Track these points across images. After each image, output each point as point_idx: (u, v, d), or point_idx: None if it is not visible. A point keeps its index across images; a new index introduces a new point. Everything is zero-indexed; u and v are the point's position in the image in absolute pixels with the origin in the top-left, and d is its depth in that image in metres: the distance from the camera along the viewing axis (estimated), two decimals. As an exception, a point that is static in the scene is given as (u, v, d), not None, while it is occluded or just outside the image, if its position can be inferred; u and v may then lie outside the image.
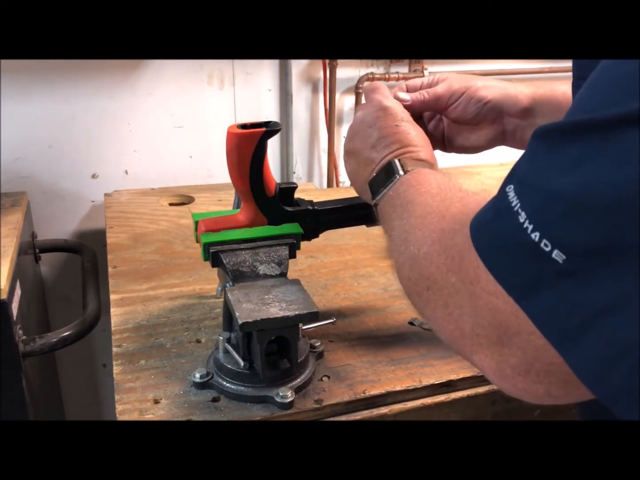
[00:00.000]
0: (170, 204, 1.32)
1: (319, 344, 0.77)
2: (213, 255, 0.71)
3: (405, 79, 1.54)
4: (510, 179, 0.38)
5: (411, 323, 0.85)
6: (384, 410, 0.71)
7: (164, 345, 0.79)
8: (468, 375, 0.73)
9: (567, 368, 0.34)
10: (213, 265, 0.73)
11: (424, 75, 1.54)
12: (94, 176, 1.42)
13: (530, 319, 0.36)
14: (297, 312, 0.65)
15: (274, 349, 0.69)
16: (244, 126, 0.68)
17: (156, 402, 0.69)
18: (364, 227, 0.80)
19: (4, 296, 0.91)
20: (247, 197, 0.73)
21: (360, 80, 1.54)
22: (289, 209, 0.75)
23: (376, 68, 1.58)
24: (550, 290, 0.34)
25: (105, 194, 1.36)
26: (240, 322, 0.63)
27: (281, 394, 0.67)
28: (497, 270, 0.38)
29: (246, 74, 1.47)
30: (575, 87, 0.48)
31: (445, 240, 0.44)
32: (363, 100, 0.73)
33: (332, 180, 1.61)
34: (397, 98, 0.73)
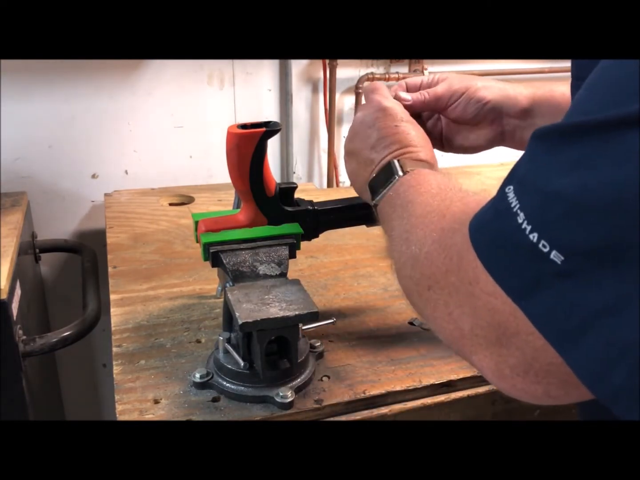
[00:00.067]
0: (170, 204, 1.32)
1: (319, 344, 0.77)
2: (213, 255, 0.71)
3: (405, 79, 1.54)
4: (509, 179, 0.38)
5: (411, 323, 0.85)
6: (384, 410, 0.71)
7: (164, 345, 0.79)
8: (468, 375, 0.73)
9: (566, 368, 0.34)
10: (213, 265, 0.73)
11: (424, 75, 1.54)
12: (94, 176, 1.42)
13: (529, 319, 0.36)
14: (297, 312, 0.65)
15: (274, 349, 0.69)
16: (244, 126, 0.68)
17: (156, 402, 0.69)
18: (364, 227, 0.80)
19: (4, 296, 0.91)
20: (247, 197, 0.73)
21: (360, 80, 1.54)
22: (289, 209, 0.75)
23: (376, 68, 1.58)
24: (549, 291, 0.34)
25: (105, 194, 1.36)
26: (240, 322, 0.63)
27: (281, 394, 0.67)
28: (496, 271, 0.38)
29: (246, 74, 1.47)
30: (574, 87, 0.48)
31: (445, 240, 0.44)
32: (363, 101, 0.73)
33: (332, 180, 1.61)
34: (398, 97, 0.73)
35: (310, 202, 0.78)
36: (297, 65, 1.51)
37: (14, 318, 0.94)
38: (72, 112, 1.35)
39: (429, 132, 0.70)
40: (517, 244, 0.36)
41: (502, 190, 0.38)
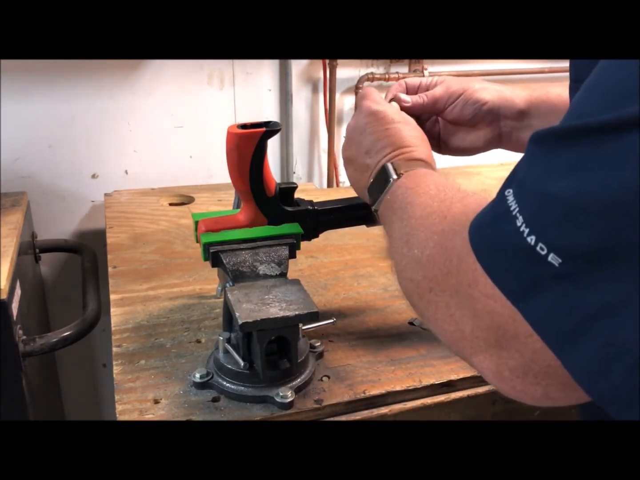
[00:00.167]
0: (170, 204, 1.32)
1: (319, 344, 0.77)
2: (213, 255, 0.71)
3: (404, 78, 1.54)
4: (509, 182, 0.39)
5: (411, 323, 0.85)
6: (384, 410, 0.71)
7: (164, 345, 0.79)
8: (468, 375, 0.73)
9: (565, 370, 0.34)
10: (213, 265, 0.73)
11: (424, 76, 1.54)
12: (94, 176, 1.42)
13: (528, 321, 0.36)
14: (297, 312, 0.65)
15: (274, 349, 0.69)
16: (244, 126, 0.68)
17: (156, 402, 0.69)
18: (364, 227, 0.80)
19: (4, 296, 0.91)
20: (247, 197, 0.73)
21: (360, 80, 1.54)
22: (289, 209, 0.75)
23: (376, 68, 1.58)
24: (547, 294, 0.34)
25: (105, 194, 1.36)
26: (240, 322, 0.63)
27: (281, 394, 0.67)
28: (495, 274, 0.38)
29: (246, 74, 1.47)
30: (573, 90, 0.48)
31: (446, 242, 0.44)
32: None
33: (332, 180, 1.61)
34: (397, 99, 0.73)
35: (310, 202, 0.78)
36: (297, 65, 1.51)
37: (14, 318, 0.94)
38: (72, 112, 1.35)
39: (427, 135, 0.70)
40: (516, 247, 0.36)
41: (501, 193, 0.38)
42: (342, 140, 1.56)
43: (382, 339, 0.81)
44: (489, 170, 1.52)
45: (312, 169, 1.64)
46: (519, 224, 0.36)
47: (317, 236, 0.79)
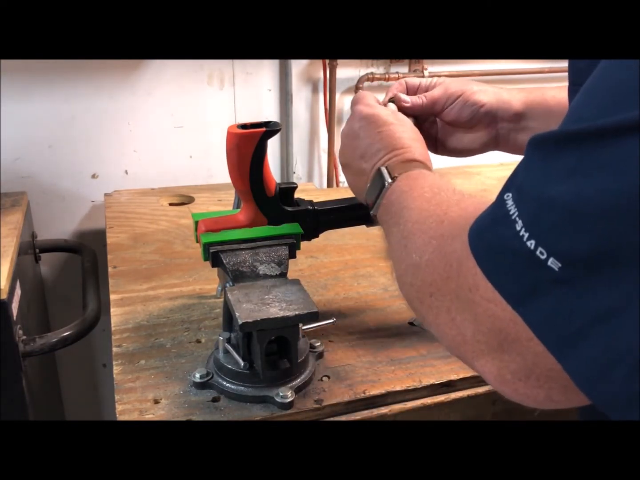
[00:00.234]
0: (170, 204, 1.32)
1: (319, 344, 0.77)
2: (213, 255, 0.71)
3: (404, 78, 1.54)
4: (508, 186, 0.39)
5: (411, 323, 0.85)
6: (384, 410, 0.71)
7: (164, 345, 0.79)
8: (468, 375, 0.73)
9: (566, 374, 0.34)
10: (213, 265, 0.73)
11: (424, 76, 1.54)
12: (94, 176, 1.42)
13: (528, 325, 0.36)
14: (297, 312, 0.65)
15: (274, 349, 0.69)
16: (244, 126, 0.68)
17: (156, 402, 0.69)
18: (364, 227, 0.80)
19: (4, 296, 0.91)
20: (247, 197, 0.73)
21: (360, 80, 1.54)
22: (289, 209, 0.76)
23: (376, 68, 1.58)
24: (547, 298, 0.34)
25: (105, 194, 1.36)
26: (240, 322, 0.63)
27: (281, 394, 0.67)
28: (495, 278, 0.38)
29: (246, 74, 1.47)
30: (572, 92, 0.48)
31: (445, 247, 0.44)
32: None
33: (332, 180, 1.61)
34: (397, 98, 0.74)
35: (310, 202, 0.78)
36: (297, 65, 1.51)
37: (14, 318, 0.94)
38: (72, 112, 1.35)
39: (424, 135, 0.71)
40: (515, 251, 0.36)
41: (500, 197, 0.38)
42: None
43: (382, 339, 0.81)
44: (489, 170, 1.52)
45: (312, 169, 1.64)
46: (518, 228, 0.36)
47: (317, 236, 0.79)
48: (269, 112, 1.53)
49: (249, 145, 0.68)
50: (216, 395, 0.70)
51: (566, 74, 0.50)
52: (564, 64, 0.48)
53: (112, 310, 0.88)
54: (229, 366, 0.69)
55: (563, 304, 0.34)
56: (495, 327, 0.38)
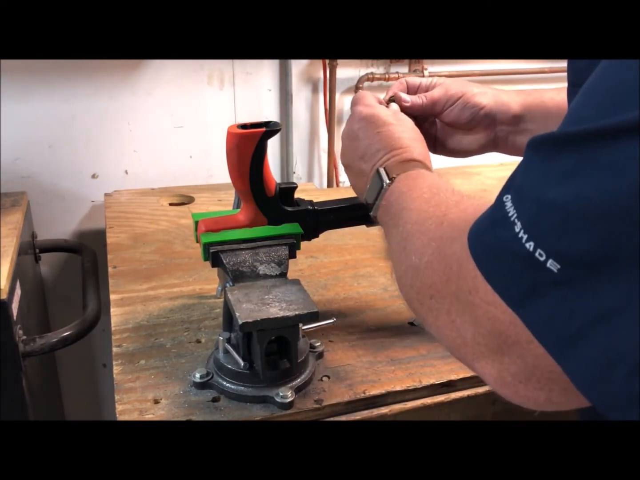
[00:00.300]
0: (170, 204, 1.32)
1: (319, 344, 0.77)
2: (213, 255, 0.71)
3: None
4: (507, 188, 0.39)
5: (411, 323, 0.85)
6: (384, 410, 0.71)
7: (164, 345, 0.79)
8: (468, 375, 0.73)
9: (566, 375, 0.34)
10: (213, 265, 0.73)
11: (424, 76, 1.54)
12: (94, 176, 1.42)
13: (527, 327, 0.36)
14: (297, 312, 0.65)
15: (274, 349, 0.69)
16: (244, 126, 0.68)
17: (156, 402, 0.69)
18: (364, 227, 0.80)
19: (4, 296, 0.91)
20: (247, 197, 0.73)
21: (360, 80, 1.54)
22: (289, 209, 0.75)
23: (376, 68, 1.58)
24: (546, 299, 0.34)
25: (105, 194, 1.36)
26: (240, 322, 0.63)
27: (281, 394, 0.67)
28: (494, 280, 0.38)
29: (246, 74, 1.47)
30: (571, 94, 0.48)
31: (445, 249, 0.44)
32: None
33: (332, 180, 1.61)
34: (398, 98, 0.74)
35: (310, 202, 0.78)
36: (297, 65, 1.51)
37: (14, 318, 0.94)
38: (72, 112, 1.35)
39: (423, 135, 0.71)
40: (514, 253, 0.36)
41: (499, 199, 0.38)
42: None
43: (382, 339, 0.81)
44: (489, 170, 1.52)
45: (312, 169, 1.64)
46: (517, 230, 0.36)
47: (317, 236, 0.79)
48: (269, 112, 1.53)
49: (249, 145, 0.68)
50: (216, 395, 0.70)
51: (566, 74, 0.50)
52: (564, 64, 0.48)
53: (112, 310, 0.88)
54: (229, 366, 0.69)
55: (562, 306, 0.34)
56: (495, 329, 0.38)
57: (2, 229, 1.07)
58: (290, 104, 1.51)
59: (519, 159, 0.39)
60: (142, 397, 0.69)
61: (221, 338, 0.71)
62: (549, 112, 0.72)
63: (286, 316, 0.64)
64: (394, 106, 0.73)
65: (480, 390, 0.73)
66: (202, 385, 0.70)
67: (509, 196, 0.38)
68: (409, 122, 0.68)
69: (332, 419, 0.69)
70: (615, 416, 0.33)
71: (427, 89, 0.75)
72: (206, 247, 0.72)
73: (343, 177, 1.62)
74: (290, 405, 0.67)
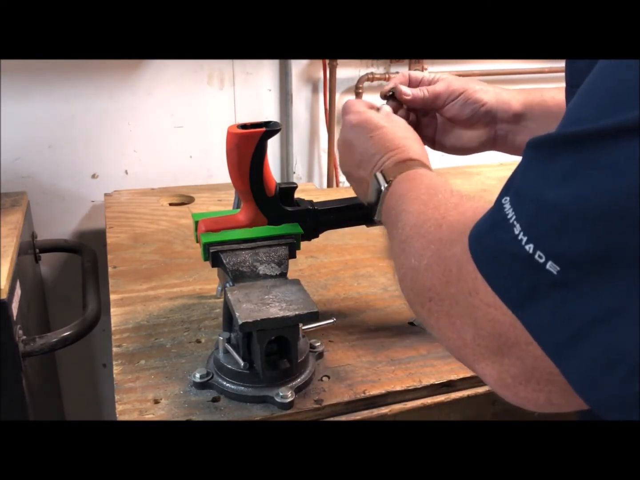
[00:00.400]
0: (170, 204, 1.32)
1: (319, 344, 0.77)
2: (213, 255, 0.71)
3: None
4: (506, 190, 0.39)
5: (411, 323, 0.85)
6: (384, 410, 0.71)
7: (164, 345, 0.79)
8: (468, 375, 0.73)
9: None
10: (213, 265, 0.73)
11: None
12: (94, 176, 1.42)
13: (527, 329, 0.36)
14: (297, 312, 0.65)
15: (274, 349, 0.69)
16: (244, 126, 0.68)
17: (156, 402, 0.69)
18: (364, 227, 0.80)
19: (4, 296, 0.91)
20: (247, 197, 0.73)
21: (360, 80, 1.54)
22: (289, 209, 0.75)
23: (376, 68, 1.58)
24: (546, 301, 0.34)
25: (105, 194, 1.36)
26: (240, 322, 0.63)
27: (281, 394, 0.67)
28: (495, 282, 0.38)
29: (246, 74, 1.47)
30: (569, 94, 0.48)
31: (444, 251, 0.44)
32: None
33: (332, 180, 1.61)
34: (398, 91, 0.74)
35: (310, 202, 0.78)
36: (297, 65, 1.51)
37: (14, 318, 0.94)
38: (72, 112, 1.35)
39: (423, 129, 0.71)
40: (514, 255, 0.36)
41: (499, 201, 0.39)
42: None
43: (382, 339, 0.81)
44: (489, 170, 1.52)
45: (312, 169, 1.64)
46: (516, 232, 0.36)
47: (317, 236, 0.79)
48: (269, 112, 1.53)
49: (249, 145, 0.68)
50: (216, 395, 0.70)
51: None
52: (563, 64, 0.48)
53: (112, 310, 0.88)
54: (229, 366, 0.69)
55: (561, 308, 0.34)
56: (495, 331, 0.38)
57: (2, 229, 1.07)
58: (290, 104, 1.51)
59: (519, 158, 0.39)
60: (142, 397, 0.69)
61: (221, 338, 0.71)
62: (550, 111, 0.72)
63: (286, 316, 0.64)
64: (386, 108, 0.73)
65: (480, 390, 0.73)
66: (202, 385, 0.70)
67: (508, 198, 0.38)
68: (401, 122, 0.69)
69: (332, 419, 0.69)
70: (614, 418, 0.33)
71: (429, 84, 0.76)
72: (206, 247, 0.72)
73: (343, 177, 1.61)
74: (290, 405, 0.67)
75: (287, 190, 0.75)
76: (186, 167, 1.49)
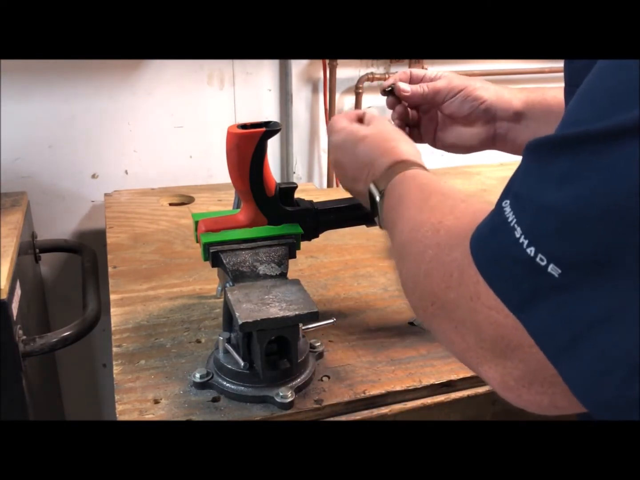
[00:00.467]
0: (170, 204, 1.32)
1: (319, 344, 0.77)
2: (213, 255, 0.71)
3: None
4: (506, 193, 0.39)
5: (411, 323, 0.85)
6: (384, 410, 0.71)
7: (164, 345, 0.79)
8: (468, 375, 0.73)
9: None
10: (213, 265, 0.73)
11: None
12: (94, 176, 1.42)
13: (528, 332, 0.36)
14: (297, 312, 0.65)
15: (274, 349, 0.69)
16: (244, 126, 0.68)
17: (156, 402, 0.69)
18: (364, 227, 0.80)
19: (4, 296, 0.91)
20: (247, 197, 0.73)
21: (360, 80, 1.54)
22: (289, 209, 0.75)
23: (376, 68, 1.58)
24: (546, 304, 0.34)
25: (105, 194, 1.36)
26: (240, 322, 0.63)
27: (281, 394, 0.67)
28: (496, 285, 0.38)
29: (246, 74, 1.47)
30: (568, 94, 0.48)
31: (443, 256, 0.44)
32: (365, 107, 0.74)
33: (332, 180, 1.61)
34: (397, 88, 0.75)
35: (310, 202, 0.78)
36: (297, 65, 1.51)
37: (14, 318, 0.94)
38: (72, 112, 1.35)
39: (424, 127, 0.71)
40: (515, 259, 0.36)
41: (499, 205, 0.39)
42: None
43: (382, 339, 0.81)
44: (489, 170, 1.52)
45: (312, 169, 1.64)
46: (517, 235, 0.36)
47: (317, 236, 0.79)
48: (269, 112, 1.53)
49: (249, 145, 0.68)
50: (216, 395, 0.70)
51: (566, 74, 0.50)
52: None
53: (112, 310, 0.88)
54: (229, 366, 0.69)
55: (562, 311, 0.34)
56: (497, 334, 0.38)
57: (2, 229, 1.07)
58: (290, 104, 1.51)
59: (519, 158, 0.39)
60: (142, 397, 0.69)
61: (221, 338, 0.71)
62: (551, 110, 0.72)
63: (286, 316, 0.64)
64: (372, 111, 0.74)
65: (480, 390, 0.73)
66: (202, 385, 0.70)
67: (508, 201, 0.38)
68: (385, 125, 0.69)
69: (332, 419, 0.69)
70: (613, 419, 0.33)
71: (431, 81, 0.76)
72: (206, 247, 0.72)
73: (343, 177, 1.62)
74: (290, 405, 0.67)
75: (287, 190, 0.75)
76: (186, 167, 1.49)
